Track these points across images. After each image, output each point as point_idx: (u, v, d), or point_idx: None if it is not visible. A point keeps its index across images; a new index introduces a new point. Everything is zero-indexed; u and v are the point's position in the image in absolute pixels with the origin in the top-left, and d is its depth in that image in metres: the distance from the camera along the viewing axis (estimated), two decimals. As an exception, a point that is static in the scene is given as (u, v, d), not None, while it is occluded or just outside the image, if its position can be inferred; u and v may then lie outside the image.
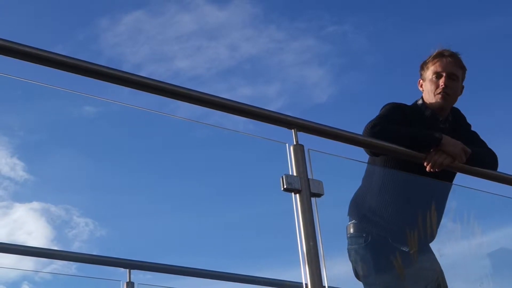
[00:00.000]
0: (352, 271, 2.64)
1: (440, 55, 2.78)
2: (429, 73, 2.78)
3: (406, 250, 2.57)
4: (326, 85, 9.07)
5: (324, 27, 9.25)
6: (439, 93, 2.74)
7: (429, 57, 2.81)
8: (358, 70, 9.19)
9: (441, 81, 2.74)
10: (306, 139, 2.23)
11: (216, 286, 3.65)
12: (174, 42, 8.92)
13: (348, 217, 2.70)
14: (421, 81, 2.85)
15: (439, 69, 2.76)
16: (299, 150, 2.15)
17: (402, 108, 2.77)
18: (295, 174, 2.10)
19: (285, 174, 2.08)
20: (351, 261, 2.64)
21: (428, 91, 2.78)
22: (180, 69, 8.52)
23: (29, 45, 1.86)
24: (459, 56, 2.81)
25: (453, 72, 2.76)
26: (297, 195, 2.08)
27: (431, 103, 2.78)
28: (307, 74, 9.21)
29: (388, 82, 8.48)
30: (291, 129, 2.22)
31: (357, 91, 8.83)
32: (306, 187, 2.09)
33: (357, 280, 2.62)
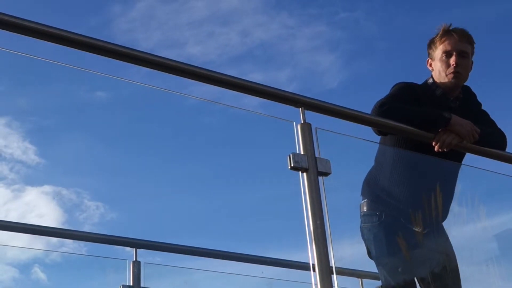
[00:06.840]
0: (359, 251, 2.63)
1: (447, 33, 2.72)
2: (438, 52, 2.73)
3: (418, 231, 2.55)
4: (337, 71, 9.05)
5: (336, 14, 9.21)
6: (451, 72, 2.69)
7: (437, 35, 2.75)
8: (368, 56, 9.16)
9: (452, 60, 2.69)
10: (314, 118, 2.22)
11: (223, 267, 3.66)
12: (186, 28, 8.90)
13: (361, 196, 2.68)
14: (429, 60, 2.80)
15: (448, 48, 2.70)
16: (307, 128, 2.14)
17: (413, 87, 2.73)
18: (302, 152, 2.09)
19: (292, 153, 2.06)
20: (364, 239, 2.62)
21: (439, 70, 2.73)
22: (192, 55, 8.51)
23: (44, 23, 1.86)
24: (467, 31, 2.75)
25: (463, 49, 2.70)
26: (304, 174, 2.06)
27: (442, 83, 2.73)
28: (318, 60, 9.18)
29: (399, 68, 8.43)
30: (299, 107, 2.20)
31: (368, 77, 8.79)
32: (313, 166, 2.07)
33: (366, 260, 2.61)
